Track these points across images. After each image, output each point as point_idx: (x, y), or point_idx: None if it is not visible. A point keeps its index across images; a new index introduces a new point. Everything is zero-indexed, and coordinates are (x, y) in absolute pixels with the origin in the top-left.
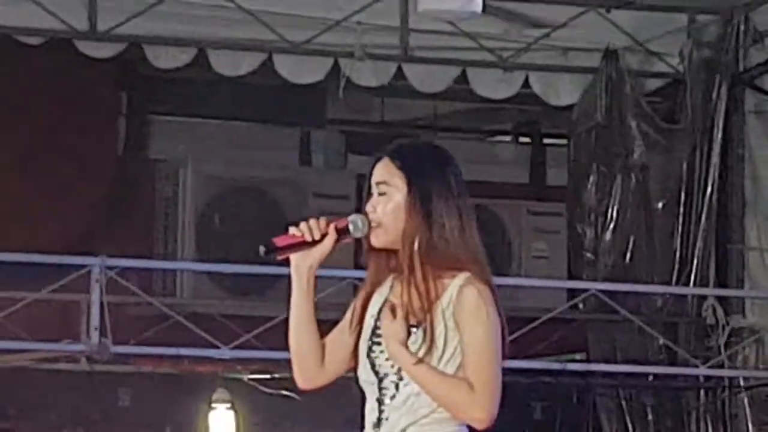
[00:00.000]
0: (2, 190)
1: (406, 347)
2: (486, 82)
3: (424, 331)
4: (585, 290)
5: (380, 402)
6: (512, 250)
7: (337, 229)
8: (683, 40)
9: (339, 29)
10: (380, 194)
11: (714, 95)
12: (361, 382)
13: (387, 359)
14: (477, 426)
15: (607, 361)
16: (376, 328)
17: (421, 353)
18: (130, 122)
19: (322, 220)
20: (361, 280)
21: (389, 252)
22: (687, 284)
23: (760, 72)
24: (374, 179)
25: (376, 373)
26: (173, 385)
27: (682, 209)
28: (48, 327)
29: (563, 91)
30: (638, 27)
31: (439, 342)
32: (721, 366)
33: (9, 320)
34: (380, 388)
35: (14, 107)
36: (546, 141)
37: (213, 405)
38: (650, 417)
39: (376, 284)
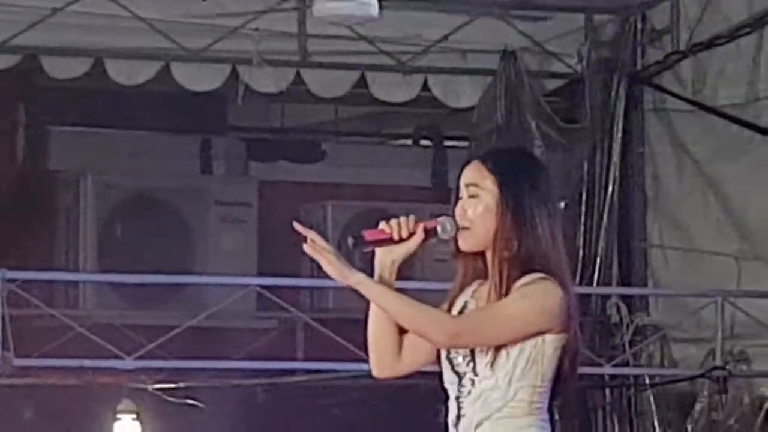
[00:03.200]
0: None
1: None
2: (385, 85)
3: None
4: None
5: (459, 399)
6: (415, 254)
7: (425, 230)
8: (581, 40)
9: (236, 36)
10: (471, 197)
11: (613, 94)
12: (445, 383)
13: (464, 357)
14: (432, 341)
15: None
16: None
17: (489, 358)
18: (29, 134)
19: (412, 219)
20: (263, 287)
21: (476, 255)
22: (590, 283)
23: (657, 70)
24: (464, 181)
25: (456, 373)
26: (78, 396)
27: (583, 208)
28: None
29: (463, 93)
30: (536, 28)
31: (512, 351)
32: (626, 364)
33: None
34: (459, 387)
35: None
36: (447, 143)
37: (118, 416)
38: (556, 417)
39: (463, 286)
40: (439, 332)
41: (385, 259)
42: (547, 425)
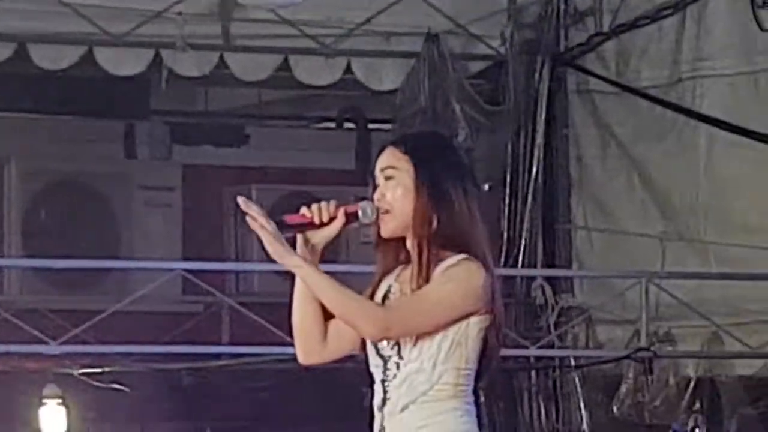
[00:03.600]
0: None
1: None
2: (308, 69)
3: None
4: None
5: (384, 383)
6: (340, 238)
7: (346, 214)
8: (504, 22)
9: (159, 20)
10: (387, 179)
11: (536, 76)
12: (370, 367)
13: (389, 341)
14: (362, 334)
15: None
16: None
17: (413, 342)
18: None
19: (332, 204)
20: (188, 271)
21: (398, 241)
22: (515, 265)
23: (581, 52)
24: (379, 166)
25: (381, 356)
26: (3, 382)
27: (508, 191)
28: None
29: (386, 76)
30: (459, 10)
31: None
32: (551, 346)
33: None
34: (385, 370)
35: None
36: (371, 126)
37: (44, 401)
38: (482, 399)
39: (385, 273)
40: (369, 325)
41: (307, 244)
42: (473, 408)
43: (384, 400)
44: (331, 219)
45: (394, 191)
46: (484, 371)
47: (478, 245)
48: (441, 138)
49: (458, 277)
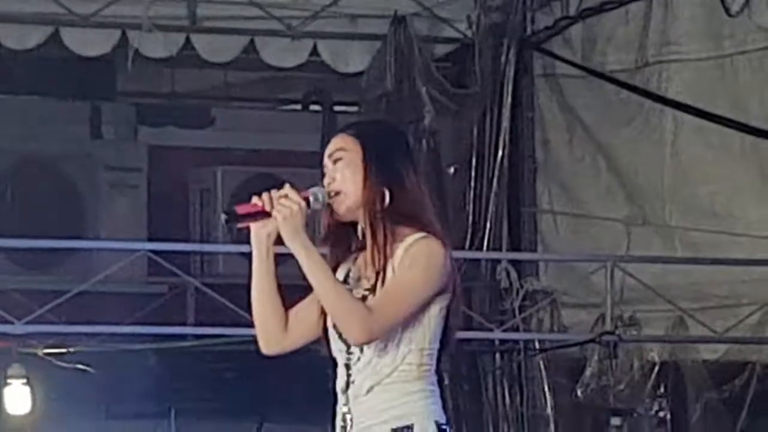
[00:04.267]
0: None
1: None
2: (274, 50)
3: (375, 293)
4: None
5: (348, 366)
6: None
7: None
8: (470, 5)
9: (126, 1)
10: (335, 161)
11: (503, 59)
12: (333, 352)
13: None
14: (350, 339)
15: None
16: None
17: None
18: None
19: (282, 191)
20: (153, 252)
21: (348, 229)
22: (480, 248)
23: (547, 35)
24: (327, 153)
25: (344, 340)
26: None
27: (473, 174)
28: None
29: (352, 59)
30: None
31: None
32: (516, 329)
33: None
34: (348, 354)
35: None
36: (336, 108)
37: (8, 381)
38: (446, 382)
39: (340, 260)
40: (356, 329)
41: (261, 233)
42: (436, 388)
43: (348, 384)
44: None
45: (344, 172)
46: (445, 350)
47: (432, 220)
48: (387, 122)
49: (420, 261)
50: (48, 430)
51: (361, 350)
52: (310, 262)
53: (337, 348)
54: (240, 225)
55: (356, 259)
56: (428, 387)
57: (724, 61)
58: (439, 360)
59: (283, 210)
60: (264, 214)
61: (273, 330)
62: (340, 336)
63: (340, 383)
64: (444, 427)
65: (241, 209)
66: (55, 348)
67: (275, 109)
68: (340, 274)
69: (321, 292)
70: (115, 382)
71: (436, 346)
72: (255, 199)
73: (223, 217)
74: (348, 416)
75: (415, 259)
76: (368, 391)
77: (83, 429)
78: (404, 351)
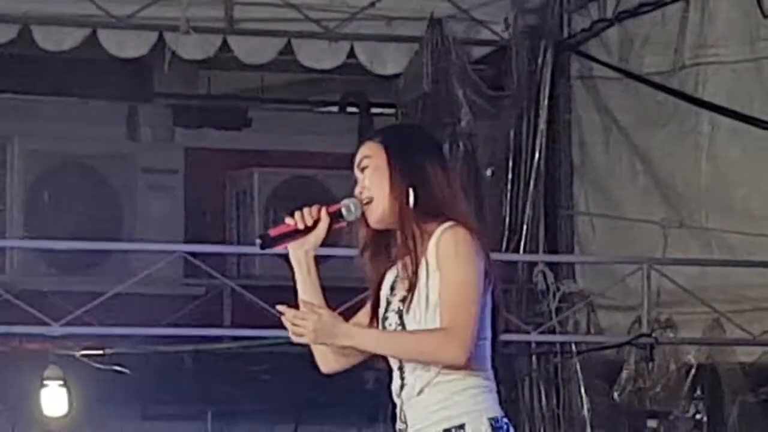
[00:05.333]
0: None
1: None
2: (311, 52)
3: (415, 292)
4: None
5: (401, 369)
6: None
7: (329, 214)
8: (507, 7)
9: (163, 3)
10: (363, 169)
11: (539, 62)
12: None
13: (396, 328)
14: (453, 363)
15: None
16: (388, 303)
17: (419, 315)
18: None
19: (315, 207)
20: (190, 254)
21: (386, 238)
22: (517, 251)
23: (584, 38)
24: (356, 163)
25: None
26: (4, 363)
27: (510, 176)
28: None
29: (389, 61)
30: None
31: (432, 297)
32: (552, 331)
33: None
34: None
35: None
36: (373, 111)
37: (45, 382)
38: None
39: (385, 269)
40: (450, 355)
41: (298, 254)
42: (491, 382)
43: (401, 386)
44: (316, 222)
45: (372, 178)
46: (497, 339)
47: (462, 213)
48: (410, 124)
49: (453, 250)
50: None
51: None
52: (366, 343)
53: None
54: (276, 247)
55: (398, 266)
56: (481, 382)
57: (760, 63)
58: (494, 350)
59: (298, 330)
60: (298, 233)
61: (329, 354)
62: None
63: (394, 386)
64: (498, 423)
65: (274, 232)
66: (92, 350)
67: (312, 111)
68: (388, 281)
69: (399, 354)
70: (151, 383)
71: (485, 335)
72: (288, 219)
73: (258, 242)
74: (404, 418)
75: (447, 255)
76: (419, 393)
77: (119, 430)
78: None
